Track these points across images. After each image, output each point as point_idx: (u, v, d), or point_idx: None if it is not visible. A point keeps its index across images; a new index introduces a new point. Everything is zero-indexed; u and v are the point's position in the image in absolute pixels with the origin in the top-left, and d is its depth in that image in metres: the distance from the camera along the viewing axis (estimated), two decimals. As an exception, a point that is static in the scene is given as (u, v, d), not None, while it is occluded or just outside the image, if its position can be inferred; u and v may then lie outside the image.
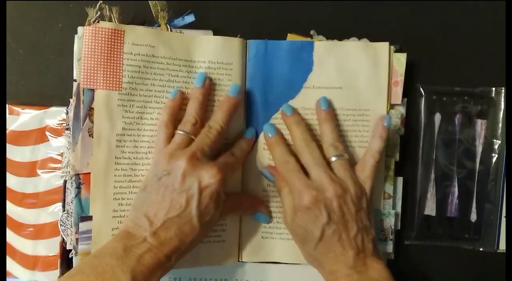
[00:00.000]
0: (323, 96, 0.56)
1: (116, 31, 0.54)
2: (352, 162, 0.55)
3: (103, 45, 0.53)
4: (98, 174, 0.53)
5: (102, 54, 0.53)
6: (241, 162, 0.56)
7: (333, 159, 0.53)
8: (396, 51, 0.58)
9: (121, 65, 0.54)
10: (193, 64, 0.56)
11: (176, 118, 0.54)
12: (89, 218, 0.53)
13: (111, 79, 0.53)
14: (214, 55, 0.56)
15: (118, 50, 0.54)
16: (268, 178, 0.57)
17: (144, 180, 0.52)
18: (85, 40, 0.53)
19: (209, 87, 0.55)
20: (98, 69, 0.53)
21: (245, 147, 0.56)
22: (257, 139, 0.57)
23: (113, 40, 0.54)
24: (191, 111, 0.53)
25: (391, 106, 0.58)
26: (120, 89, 0.54)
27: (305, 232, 0.51)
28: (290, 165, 0.53)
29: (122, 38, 0.54)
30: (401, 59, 0.58)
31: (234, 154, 0.54)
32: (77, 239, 0.53)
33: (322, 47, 0.58)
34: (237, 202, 0.56)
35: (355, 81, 0.58)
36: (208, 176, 0.49)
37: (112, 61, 0.53)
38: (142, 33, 0.55)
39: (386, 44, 0.57)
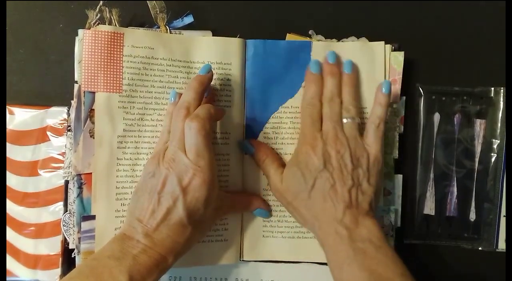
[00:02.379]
0: (331, 51, 0.57)
1: (116, 34, 0.54)
2: None
3: (103, 48, 0.53)
4: (100, 174, 0.54)
5: (102, 57, 0.53)
6: (210, 120, 0.49)
7: (344, 120, 0.54)
8: (394, 50, 0.58)
9: (121, 68, 0.54)
10: (193, 65, 0.56)
11: None
12: (92, 217, 0.53)
13: (112, 81, 0.54)
14: (213, 55, 0.56)
15: (118, 53, 0.54)
16: (248, 150, 0.57)
17: (137, 183, 0.52)
18: (85, 44, 0.53)
19: (210, 78, 0.53)
20: (99, 72, 0.53)
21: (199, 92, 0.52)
22: (257, 138, 0.57)
23: (112, 43, 0.54)
24: (185, 98, 0.51)
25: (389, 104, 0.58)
26: (121, 91, 0.54)
27: (298, 183, 0.52)
28: (314, 111, 0.54)
29: (121, 41, 0.54)
30: (398, 57, 0.58)
31: (198, 119, 0.49)
32: (79, 238, 0.53)
33: (319, 47, 0.58)
34: (236, 201, 0.56)
35: None
36: (189, 174, 0.48)
37: (112, 64, 0.54)
38: (141, 35, 0.55)
39: (382, 43, 0.58)
